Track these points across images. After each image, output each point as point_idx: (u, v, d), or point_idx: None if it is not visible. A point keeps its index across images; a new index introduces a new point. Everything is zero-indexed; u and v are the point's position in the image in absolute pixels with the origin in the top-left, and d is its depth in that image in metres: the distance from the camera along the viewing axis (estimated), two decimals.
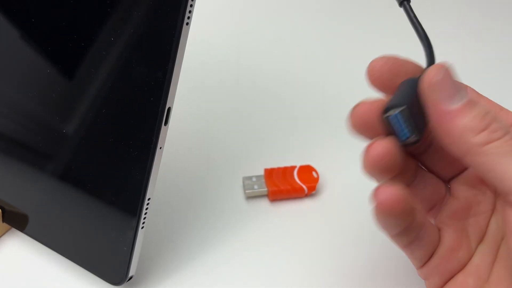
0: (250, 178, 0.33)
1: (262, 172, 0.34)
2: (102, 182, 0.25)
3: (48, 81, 0.25)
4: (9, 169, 0.28)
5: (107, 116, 0.24)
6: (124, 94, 0.23)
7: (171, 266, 0.28)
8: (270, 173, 0.33)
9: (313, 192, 0.33)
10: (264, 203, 0.33)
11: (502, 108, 0.23)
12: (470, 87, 0.22)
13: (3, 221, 0.28)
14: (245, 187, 0.33)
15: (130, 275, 0.25)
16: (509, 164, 0.19)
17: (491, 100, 0.23)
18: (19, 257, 0.28)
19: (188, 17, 0.21)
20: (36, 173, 0.27)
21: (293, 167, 0.34)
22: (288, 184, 0.32)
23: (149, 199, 0.24)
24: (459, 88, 0.20)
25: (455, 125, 0.19)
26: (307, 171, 0.33)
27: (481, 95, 0.23)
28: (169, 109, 0.23)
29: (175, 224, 0.31)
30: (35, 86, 0.26)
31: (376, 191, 0.20)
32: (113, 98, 0.23)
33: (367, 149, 0.20)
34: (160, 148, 0.23)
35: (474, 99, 0.20)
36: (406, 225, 0.21)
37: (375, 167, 0.21)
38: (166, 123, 0.23)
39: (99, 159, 0.25)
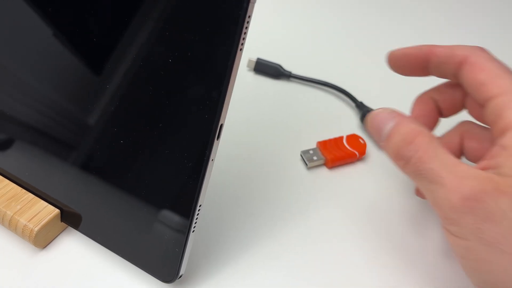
0: (307, 151, 0.39)
1: (315, 145, 0.40)
2: (158, 189, 0.27)
3: (110, 97, 0.27)
4: (68, 173, 0.30)
5: (165, 130, 0.26)
6: (181, 111, 0.25)
7: (221, 259, 0.31)
8: (323, 145, 0.39)
9: (364, 156, 0.39)
10: (324, 171, 0.38)
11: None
12: (398, 115, 0.27)
13: (61, 220, 0.31)
14: (306, 159, 0.38)
15: (180, 274, 0.28)
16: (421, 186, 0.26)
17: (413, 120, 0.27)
18: (76, 254, 0.31)
19: (242, 44, 0.23)
20: (94, 179, 0.29)
21: (341, 137, 0.39)
22: (342, 151, 0.38)
23: (200, 205, 0.26)
24: (382, 129, 0.27)
25: (387, 152, 0.28)
26: (354, 139, 0.39)
27: (406, 117, 0.27)
28: (221, 125, 0.25)
29: (232, 213, 0.33)
30: (96, 101, 0.28)
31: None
32: (171, 114, 0.26)
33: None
34: (212, 160, 0.26)
35: (391, 134, 0.27)
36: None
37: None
38: (218, 137, 0.25)
39: (155, 168, 0.27)
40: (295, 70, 0.48)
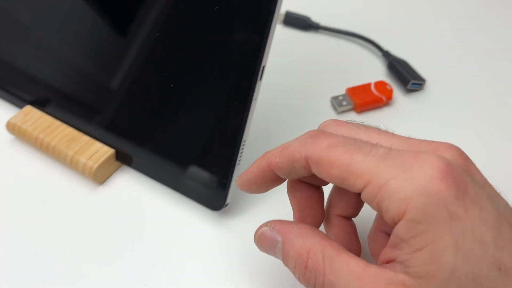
0: (337, 97, 0.41)
1: (344, 92, 0.42)
2: (207, 127, 0.30)
3: (162, 45, 0.30)
4: (121, 115, 0.33)
5: (213, 73, 0.29)
6: (227, 55, 0.28)
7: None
8: (352, 91, 0.41)
9: (390, 101, 0.41)
10: (353, 115, 0.41)
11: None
12: (280, 230, 0.24)
13: (116, 159, 0.34)
14: (336, 104, 0.41)
15: (227, 202, 0.31)
16: None
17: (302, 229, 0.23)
18: (131, 189, 0.34)
19: None
20: (148, 118, 0.32)
21: (369, 84, 0.42)
22: (370, 96, 0.41)
23: (244, 140, 0.29)
24: (274, 252, 0.24)
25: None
26: (381, 85, 0.42)
27: (289, 229, 0.23)
28: (263, 67, 0.27)
29: None
30: (148, 49, 0.31)
31: None
32: (218, 58, 0.28)
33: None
34: (255, 99, 0.28)
35: (284, 259, 0.23)
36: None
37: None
38: (261, 78, 0.28)
39: (204, 108, 0.30)
40: (323, 22, 0.50)
